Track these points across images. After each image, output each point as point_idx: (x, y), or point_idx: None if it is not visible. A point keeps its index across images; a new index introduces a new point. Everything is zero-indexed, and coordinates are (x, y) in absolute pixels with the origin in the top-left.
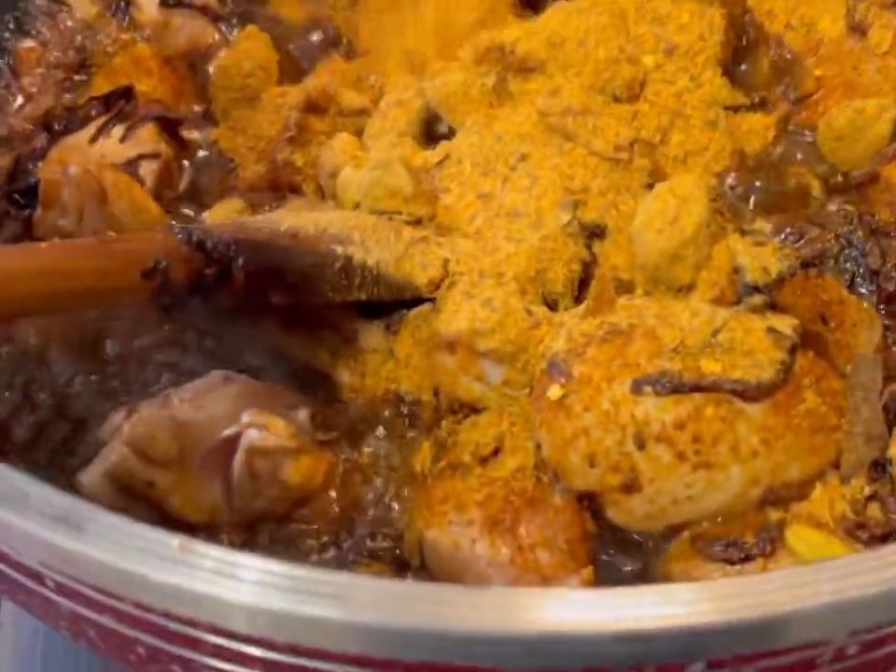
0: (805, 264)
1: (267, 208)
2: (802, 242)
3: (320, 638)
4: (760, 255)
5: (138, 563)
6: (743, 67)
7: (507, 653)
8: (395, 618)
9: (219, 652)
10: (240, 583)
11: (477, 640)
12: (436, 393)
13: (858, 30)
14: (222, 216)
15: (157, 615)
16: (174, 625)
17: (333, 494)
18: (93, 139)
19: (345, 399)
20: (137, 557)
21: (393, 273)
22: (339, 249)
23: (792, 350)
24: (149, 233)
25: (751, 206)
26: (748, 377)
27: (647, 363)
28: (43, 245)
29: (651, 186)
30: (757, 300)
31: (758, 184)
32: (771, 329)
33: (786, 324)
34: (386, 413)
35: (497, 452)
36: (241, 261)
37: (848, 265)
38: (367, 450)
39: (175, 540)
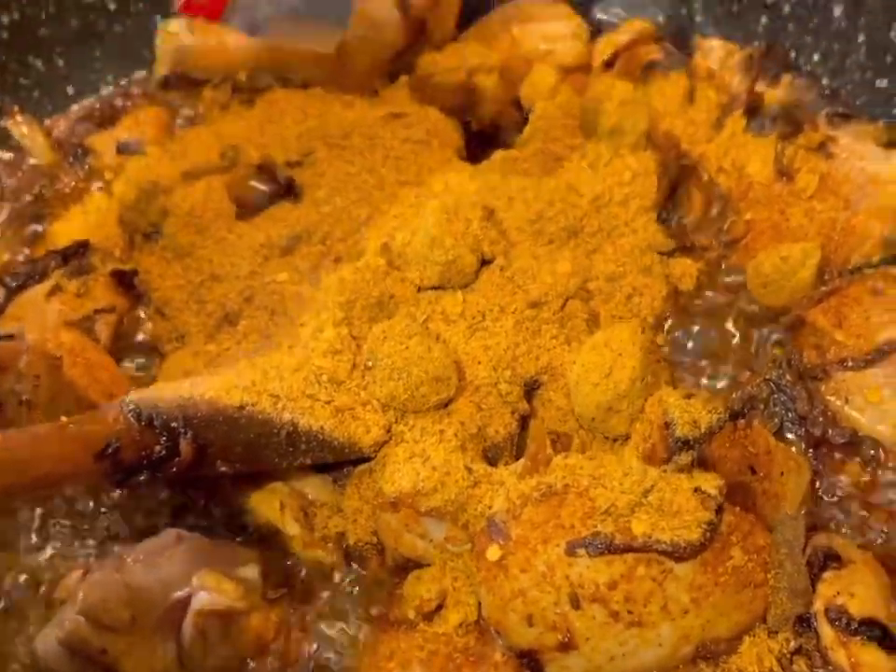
0: (734, 415)
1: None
2: (733, 385)
3: None
4: (690, 408)
5: None
6: (677, 210)
7: None
8: None
9: None
10: None
11: None
12: (381, 547)
13: (785, 174)
14: (175, 368)
15: None
16: None
17: (280, 648)
18: (50, 294)
19: (295, 552)
20: None
21: (338, 436)
22: (286, 416)
23: (718, 510)
24: (100, 414)
25: (687, 350)
26: (676, 538)
27: (580, 525)
28: None
29: (589, 332)
30: (684, 458)
31: (692, 328)
32: (698, 490)
33: (712, 484)
34: (334, 566)
35: (440, 607)
36: (189, 435)
37: (778, 409)
38: (316, 605)
39: None
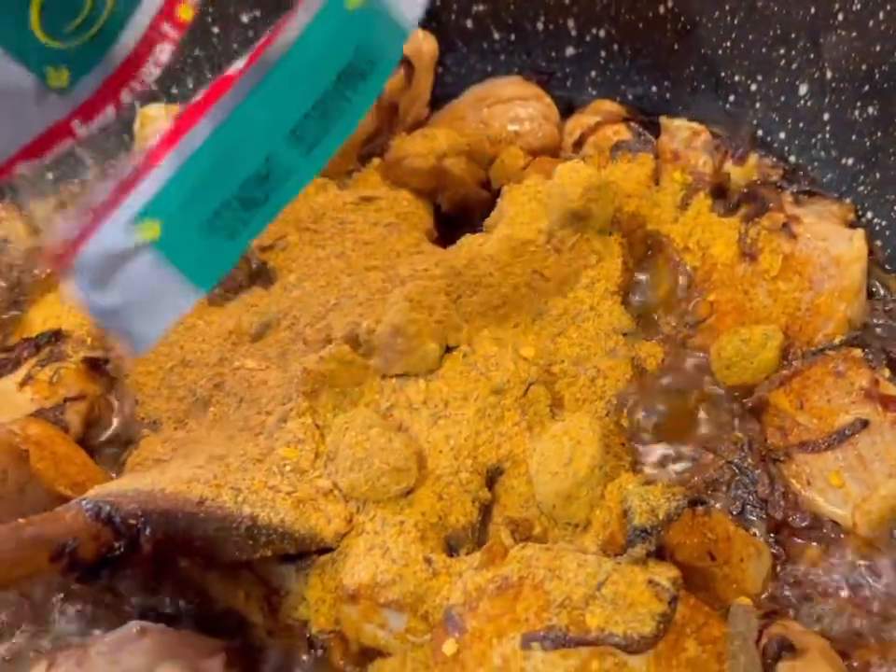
0: (693, 502)
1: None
2: (695, 468)
3: None
4: (649, 496)
5: None
6: (642, 290)
7: None
8: None
9: None
10: None
11: None
12: (344, 636)
13: (749, 255)
14: (146, 455)
15: None
16: None
17: None
18: (23, 383)
19: (260, 641)
20: None
21: (298, 528)
22: (245, 509)
23: (673, 601)
24: (59, 513)
25: (650, 431)
26: (629, 631)
27: (535, 618)
28: None
29: (551, 417)
30: (639, 551)
31: (656, 409)
32: (652, 582)
33: (666, 576)
34: (298, 655)
35: None
36: (148, 531)
37: (740, 492)
38: None
39: None
